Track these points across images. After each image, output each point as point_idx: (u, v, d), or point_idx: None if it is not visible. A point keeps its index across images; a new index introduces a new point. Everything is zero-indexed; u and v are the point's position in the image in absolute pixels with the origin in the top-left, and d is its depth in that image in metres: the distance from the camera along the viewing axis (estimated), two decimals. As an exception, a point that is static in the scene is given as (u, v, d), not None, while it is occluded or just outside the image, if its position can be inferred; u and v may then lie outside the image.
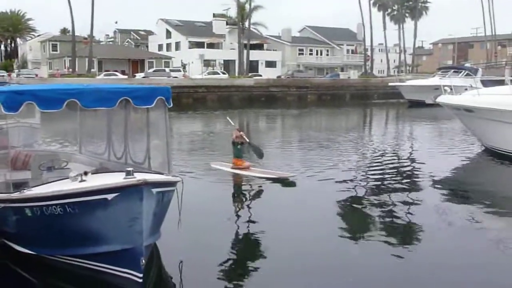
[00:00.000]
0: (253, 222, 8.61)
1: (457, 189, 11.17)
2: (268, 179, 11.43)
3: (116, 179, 5.87)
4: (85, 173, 6.18)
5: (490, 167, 14.29)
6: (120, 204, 5.61)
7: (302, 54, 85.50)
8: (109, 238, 5.84)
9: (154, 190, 5.83)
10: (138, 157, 7.79)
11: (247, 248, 7.65)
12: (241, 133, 12.87)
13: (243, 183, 11.52)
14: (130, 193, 5.58)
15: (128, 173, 5.81)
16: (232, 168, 12.37)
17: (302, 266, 6.66)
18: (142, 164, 7.59)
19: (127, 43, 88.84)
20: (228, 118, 14.73)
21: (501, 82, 15.68)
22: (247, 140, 12.83)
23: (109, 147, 8.61)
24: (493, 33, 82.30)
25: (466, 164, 14.73)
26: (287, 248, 7.31)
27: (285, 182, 11.33)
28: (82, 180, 6.04)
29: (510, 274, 6.64)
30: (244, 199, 10.41)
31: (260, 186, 11.16)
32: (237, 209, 9.69)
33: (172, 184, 6.59)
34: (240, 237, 8.00)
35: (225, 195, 10.67)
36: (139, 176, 5.78)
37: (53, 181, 6.45)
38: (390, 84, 48.84)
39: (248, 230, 8.36)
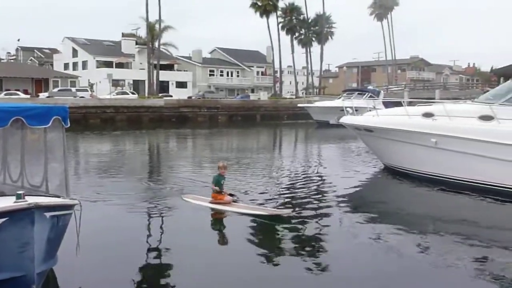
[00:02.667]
0: (167, 249, 8.40)
1: (358, 205, 11.58)
2: (255, 216, 9.99)
3: (6, 203, 5.55)
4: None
5: (388, 184, 15.00)
6: (9, 230, 5.29)
7: (213, 75, 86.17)
8: None
9: (48, 214, 5.56)
10: (35, 180, 7.40)
11: (153, 276, 7.45)
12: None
13: (154, 206, 11.23)
14: (20, 217, 5.29)
15: (19, 197, 5.51)
16: (212, 202, 10.84)
17: None
18: (39, 187, 7.22)
19: (30, 61, 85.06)
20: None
21: (400, 104, 16.59)
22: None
23: (4, 170, 8.13)
24: (394, 58, 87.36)
25: (367, 182, 15.35)
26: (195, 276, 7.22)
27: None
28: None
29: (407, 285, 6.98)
30: (152, 224, 10.14)
31: (169, 208, 10.94)
32: (145, 235, 9.34)
33: (68, 207, 6.31)
34: (146, 265, 7.75)
35: (133, 218, 10.24)
36: (31, 200, 5.50)
37: None
38: (299, 105, 50.32)
39: (158, 258, 8.13)
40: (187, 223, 9.86)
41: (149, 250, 8.25)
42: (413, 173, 14.51)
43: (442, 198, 12.60)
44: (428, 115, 14.14)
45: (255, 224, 9.68)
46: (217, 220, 10.28)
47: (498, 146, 12.10)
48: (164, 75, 67.23)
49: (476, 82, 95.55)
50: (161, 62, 64.87)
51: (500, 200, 11.69)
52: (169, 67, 75.66)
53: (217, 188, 10.88)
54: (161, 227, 9.80)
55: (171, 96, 60.50)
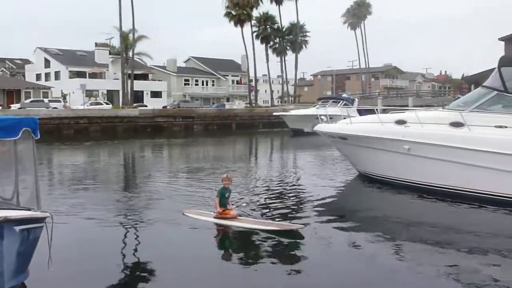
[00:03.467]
0: (142, 262, 8.31)
1: (334, 213, 11.57)
2: (264, 231, 9.44)
3: (-25, 217, 5.43)
4: None
5: (362, 191, 15.11)
6: (-22, 244, 5.19)
7: (188, 84, 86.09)
8: None
9: (18, 228, 5.47)
10: (6, 193, 7.26)
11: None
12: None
13: (129, 218, 11.10)
14: (-11, 232, 5.19)
15: (-13, 211, 5.41)
16: (216, 217, 10.18)
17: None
18: (10, 199, 7.09)
19: (1, 72, 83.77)
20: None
21: (374, 111, 16.77)
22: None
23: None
24: (367, 66, 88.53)
25: (341, 190, 15.44)
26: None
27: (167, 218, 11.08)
28: None
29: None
30: (127, 237, 10.00)
31: (145, 220, 10.84)
32: (120, 247, 9.20)
33: (39, 220, 6.21)
34: (119, 279, 7.64)
35: (108, 231, 10.07)
36: (0, 213, 5.40)
37: None
38: (274, 113, 50.52)
39: (133, 271, 8.04)
40: (163, 235, 9.76)
41: (124, 263, 8.15)
42: (387, 179, 14.67)
43: (416, 204, 12.74)
44: (400, 122, 14.33)
45: (229, 233, 9.66)
46: (197, 232, 10.18)
47: (468, 152, 12.31)
48: (138, 85, 66.88)
49: (448, 90, 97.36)
50: (135, 72, 64.55)
51: (472, 205, 11.89)
52: (144, 77, 75.36)
53: (221, 203, 10.22)
54: (136, 239, 9.69)
55: (146, 106, 60.22)
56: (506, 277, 7.26)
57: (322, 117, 17.46)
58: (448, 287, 7.06)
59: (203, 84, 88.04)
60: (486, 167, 12.05)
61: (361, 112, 26.45)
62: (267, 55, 77.66)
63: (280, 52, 79.72)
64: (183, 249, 8.85)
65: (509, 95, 12.63)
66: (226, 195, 10.39)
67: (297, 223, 9.99)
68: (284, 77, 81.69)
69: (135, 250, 8.89)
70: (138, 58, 68.39)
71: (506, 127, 12.01)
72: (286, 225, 9.89)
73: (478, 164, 12.18)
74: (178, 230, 9.92)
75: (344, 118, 16.91)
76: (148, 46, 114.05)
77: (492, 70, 13.38)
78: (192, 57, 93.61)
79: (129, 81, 61.39)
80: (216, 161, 24.27)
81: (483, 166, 12.09)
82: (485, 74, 15.12)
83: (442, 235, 9.54)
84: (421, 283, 7.21)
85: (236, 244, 9.37)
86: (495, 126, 12.20)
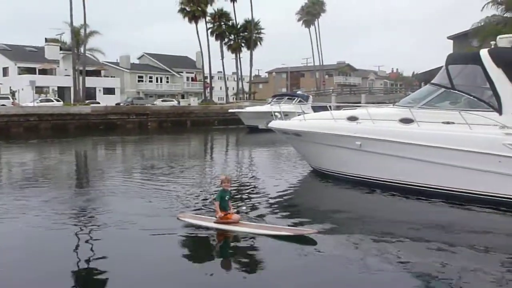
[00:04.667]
0: (94, 259, 8.17)
1: (288, 210, 11.65)
2: (274, 237, 8.90)
3: None
4: None
5: (316, 187, 15.30)
6: None
7: (142, 81, 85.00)
8: None
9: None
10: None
11: None
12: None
13: (80, 217, 10.87)
14: None
15: None
16: (217, 222, 9.53)
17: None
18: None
19: None
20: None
21: (327, 108, 16.98)
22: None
23: None
24: (321, 64, 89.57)
25: (296, 186, 15.55)
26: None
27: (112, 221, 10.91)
28: None
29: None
30: (79, 237, 9.78)
31: (96, 219, 10.63)
32: (72, 247, 8.98)
33: None
34: (69, 279, 7.50)
35: (58, 230, 9.78)
36: None
37: None
38: (230, 110, 50.44)
39: (83, 271, 7.90)
40: (116, 234, 9.57)
41: (73, 263, 7.97)
42: (340, 175, 14.92)
43: (366, 199, 13.01)
44: (352, 118, 14.58)
45: (184, 239, 9.60)
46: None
47: (417, 148, 12.66)
48: (90, 81, 65.50)
49: (400, 87, 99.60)
50: (87, 68, 63.23)
51: (420, 199, 12.24)
52: (96, 73, 73.86)
53: (221, 206, 9.59)
54: (87, 240, 9.41)
55: (99, 103, 59.03)
56: (456, 264, 7.51)
57: (277, 114, 17.57)
58: (394, 277, 7.25)
59: (157, 81, 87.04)
60: (434, 162, 12.42)
61: (315, 109, 26.76)
62: (222, 52, 77.44)
63: (235, 49, 79.59)
64: (134, 246, 8.75)
65: (456, 92, 13.05)
66: (226, 198, 9.75)
67: (307, 228, 9.42)
68: (239, 74, 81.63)
69: (85, 250, 8.68)
70: (90, 54, 67.02)
71: (453, 123, 12.40)
72: (299, 230, 9.27)
73: (426, 159, 12.54)
74: (131, 230, 9.75)
75: (299, 115, 17.07)
76: (100, 42, 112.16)
77: (441, 67, 13.79)
78: (146, 53, 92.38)
79: (80, 78, 60.10)
80: (171, 158, 24.06)
81: (431, 161, 12.46)
82: (434, 72, 15.58)
83: (396, 229, 9.74)
84: (378, 278, 7.34)
85: (186, 249, 9.30)
86: (443, 122, 12.58)
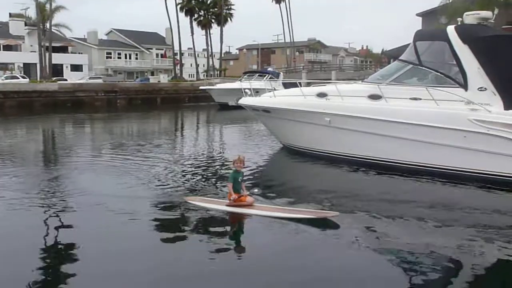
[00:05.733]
0: (63, 245, 8.05)
1: (258, 186, 11.62)
2: (293, 220, 8.47)
3: None
4: None
5: (286, 164, 15.36)
6: None
7: (110, 57, 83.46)
8: None
9: None
10: None
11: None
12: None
13: (49, 200, 10.66)
14: None
15: None
16: (229, 205, 9.07)
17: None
18: None
19: None
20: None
21: (298, 85, 16.96)
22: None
23: None
24: (292, 40, 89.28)
25: (266, 163, 15.57)
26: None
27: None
28: None
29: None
30: (49, 221, 9.60)
31: (66, 201, 10.46)
32: (43, 232, 8.72)
33: None
34: (36, 263, 7.38)
35: (26, 214, 9.56)
36: None
37: None
38: (200, 87, 50.07)
39: (54, 257, 7.79)
40: (88, 217, 9.37)
41: (42, 245, 7.85)
42: (310, 151, 15.00)
43: (334, 174, 13.15)
44: (322, 95, 14.62)
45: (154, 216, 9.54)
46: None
47: (385, 124, 12.79)
48: (57, 58, 64.20)
49: (370, 64, 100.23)
50: (54, 44, 61.79)
51: (387, 174, 12.42)
52: (63, 49, 72.33)
53: (234, 188, 9.11)
54: (57, 221, 9.17)
55: (66, 79, 57.87)
56: (440, 242, 7.54)
57: (247, 90, 17.49)
58: (371, 254, 7.37)
59: (126, 58, 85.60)
60: (401, 137, 12.59)
61: (286, 86, 26.72)
62: (191, 28, 76.51)
63: (205, 25, 78.72)
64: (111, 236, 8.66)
65: (423, 68, 13.19)
66: (239, 179, 9.28)
67: (328, 211, 8.97)
68: (210, 50, 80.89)
69: (56, 232, 8.46)
70: (56, 30, 65.37)
71: (420, 99, 12.55)
72: (320, 212, 8.78)
73: (394, 135, 12.70)
74: (101, 211, 9.56)
75: (269, 92, 17.03)
76: (67, 18, 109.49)
77: (409, 44, 13.88)
78: (114, 29, 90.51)
79: (47, 54, 58.71)
80: (141, 136, 23.84)
81: (399, 136, 12.62)
82: (403, 49, 15.66)
83: (360, 202, 9.83)
84: (346, 253, 7.45)
85: (157, 224, 9.25)
86: (410, 98, 12.73)
